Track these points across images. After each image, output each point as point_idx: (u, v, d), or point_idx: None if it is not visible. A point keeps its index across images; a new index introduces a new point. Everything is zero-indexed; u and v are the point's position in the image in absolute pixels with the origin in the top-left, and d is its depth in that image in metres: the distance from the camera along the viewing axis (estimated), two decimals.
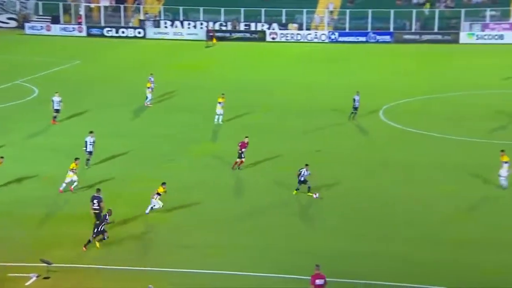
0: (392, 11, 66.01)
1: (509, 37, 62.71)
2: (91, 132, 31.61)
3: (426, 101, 43.66)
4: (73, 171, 27.93)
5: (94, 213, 24.32)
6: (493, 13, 65.06)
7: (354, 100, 38.60)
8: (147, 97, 42.49)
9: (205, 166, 31.83)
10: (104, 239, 23.27)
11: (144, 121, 39.97)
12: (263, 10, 69.17)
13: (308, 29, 68.77)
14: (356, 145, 34.85)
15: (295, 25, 69.00)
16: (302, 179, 27.32)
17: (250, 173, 30.78)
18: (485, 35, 63.49)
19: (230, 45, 66.02)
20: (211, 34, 67.53)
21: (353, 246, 23.54)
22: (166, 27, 71.51)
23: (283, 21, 69.29)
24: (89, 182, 28.43)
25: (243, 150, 30.47)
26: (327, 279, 18.99)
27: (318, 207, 26.91)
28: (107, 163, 31.93)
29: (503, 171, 27.74)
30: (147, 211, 25.93)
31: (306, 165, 27.47)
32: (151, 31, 71.14)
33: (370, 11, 66.15)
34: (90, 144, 31.08)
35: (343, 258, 22.56)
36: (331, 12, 69.78)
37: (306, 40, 67.47)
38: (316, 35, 67.70)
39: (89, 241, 23.02)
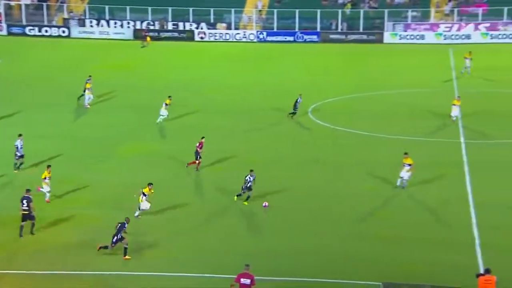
0: (318, 11, 67.19)
1: (429, 37, 65.08)
2: (20, 135, 30.93)
3: (353, 100, 44.68)
4: (46, 179, 27.08)
5: (23, 214, 23.88)
6: (414, 13, 67.34)
7: (296, 101, 39.16)
8: (87, 98, 41.92)
9: (138, 166, 31.64)
10: (126, 248, 22.61)
11: (77, 122, 39.35)
12: (191, 9, 68.82)
13: (236, 28, 68.98)
14: (286, 144, 35.27)
15: (224, 25, 69.02)
16: (249, 185, 26.95)
17: (188, 174, 30.63)
18: (407, 35, 65.60)
19: (158, 45, 65.29)
20: (146, 33, 66.68)
21: (286, 244, 23.87)
22: (91, 26, 69.83)
23: (212, 20, 69.21)
24: (20, 185, 27.57)
25: (200, 150, 30.70)
26: (262, 278, 19.17)
27: (253, 207, 27.04)
28: (41, 165, 31.00)
29: (404, 173, 28.20)
30: (136, 213, 25.46)
31: (251, 170, 27.13)
32: (75, 30, 69.35)
33: (297, 11, 67.09)
34: (21, 148, 30.62)
35: (276, 257, 22.83)
36: (260, 11, 70.28)
37: (234, 40, 67.64)
38: (244, 34, 67.99)
39: (106, 247, 22.53)
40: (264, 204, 26.79)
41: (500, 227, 25.06)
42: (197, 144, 30.77)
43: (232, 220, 26.12)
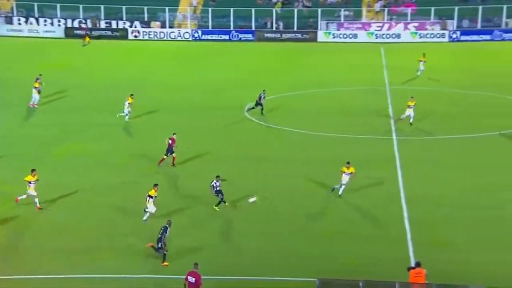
0: (253, 9, 67.50)
1: (362, 36, 66.55)
2: None
3: (289, 98, 45.09)
4: (30, 184, 25.90)
5: None
6: (347, 13, 68.69)
7: (260, 97, 39.88)
8: (32, 98, 41.18)
9: (76, 167, 31.34)
10: (159, 251, 22.06)
11: (14, 122, 38.68)
12: (124, 7, 67.79)
13: (171, 27, 68.44)
14: (224, 143, 35.27)
15: (158, 23, 68.36)
16: (218, 189, 26.40)
17: (127, 173, 30.46)
18: (340, 34, 66.85)
19: (92, 44, 64.10)
20: (86, 32, 65.28)
21: (223, 243, 23.89)
22: (20, 24, 67.79)
23: (146, 18, 68.38)
24: None
25: (173, 146, 30.87)
26: (208, 277, 19.32)
27: (194, 206, 26.86)
28: None
29: (344, 181, 27.64)
30: (144, 218, 24.86)
31: (217, 176, 26.62)
32: (3, 28, 67.20)
33: (232, 9, 67.17)
34: None
35: (214, 256, 22.79)
36: (195, 8, 69.92)
37: (169, 39, 67.13)
38: (179, 33, 67.56)
39: (164, 255, 21.89)
40: (251, 199, 26.58)
41: (430, 221, 25.85)
42: (169, 141, 30.98)
43: (175, 220, 25.84)
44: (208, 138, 35.95)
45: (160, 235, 22.03)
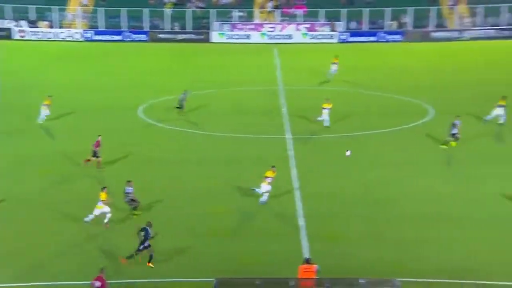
0: (146, 10, 66.67)
1: (255, 37, 67.57)
2: None
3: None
4: None
5: None
6: (241, 14, 69.50)
7: (184, 97, 39.94)
8: None
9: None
10: (152, 256, 21.50)
11: None
12: (10, 6, 64.75)
13: (60, 27, 66.14)
14: (117, 144, 34.53)
15: (46, 23, 65.87)
16: (131, 197, 25.55)
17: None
18: (234, 34, 67.54)
19: None
20: None
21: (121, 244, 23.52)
22: None
23: (32, 18, 65.68)
24: None
25: (97, 148, 30.16)
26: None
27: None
28: None
29: (265, 186, 27.30)
30: (105, 220, 24.31)
31: (128, 181, 25.81)
32: None
33: (125, 10, 65.99)
34: None
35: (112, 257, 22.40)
36: (85, 7, 67.97)
37: (59, 39, 64.94)
38: (69, 33, 65.46)
39: (132, 256, 21.81)
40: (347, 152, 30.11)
41: (324, 217, 26.58)
42: (94, 143, 30.37)
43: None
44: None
45: (143, 238, 21.80)
